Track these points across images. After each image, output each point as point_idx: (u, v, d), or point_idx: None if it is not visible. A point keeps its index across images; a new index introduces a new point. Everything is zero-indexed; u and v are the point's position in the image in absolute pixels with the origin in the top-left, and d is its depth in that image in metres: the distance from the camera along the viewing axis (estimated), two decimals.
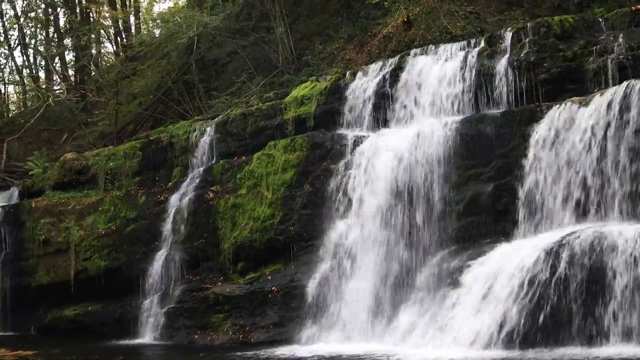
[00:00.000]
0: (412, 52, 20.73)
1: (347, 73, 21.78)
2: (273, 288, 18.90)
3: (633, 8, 18.36)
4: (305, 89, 22.09)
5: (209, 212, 21.15)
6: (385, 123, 20.17)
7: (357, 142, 19.79)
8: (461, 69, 19.21)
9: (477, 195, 17.40)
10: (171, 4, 42.73)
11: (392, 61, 20.87)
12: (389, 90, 20.21)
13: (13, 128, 34.78)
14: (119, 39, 40.43)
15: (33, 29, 42.25)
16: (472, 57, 19.24)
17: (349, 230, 18.61)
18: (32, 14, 41.48)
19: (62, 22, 40.50)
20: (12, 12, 40.90)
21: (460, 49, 19.76)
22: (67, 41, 38.77)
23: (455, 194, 17.70)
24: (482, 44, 19.56)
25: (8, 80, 42.83)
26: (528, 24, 19.21)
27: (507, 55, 18.79)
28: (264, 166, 20.65)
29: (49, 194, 24.85)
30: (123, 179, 23.96)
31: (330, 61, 25.20)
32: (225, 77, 28.85)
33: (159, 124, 28.55)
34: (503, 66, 18.64)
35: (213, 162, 22.50)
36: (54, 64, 39.99)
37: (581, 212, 15.97)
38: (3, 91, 42.37)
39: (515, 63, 18.42)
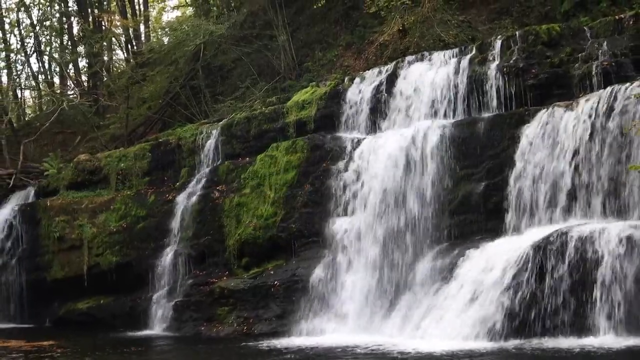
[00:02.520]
0: (407, 59, 20.71)
1: (346, 79, 21.77)
2: (275, 282, 18.89)
3: (617, 17, 18.36)
4: (305, 94, 22.08)
5: (214, 210, 21.14)
6: (382, 126, 20.16)
7: (355, 144, 19.79)
8: (454, 74, 19.20)
9: (469, 195, 17.40)
10: (179, 14, 42.72)
11: (388, 67, 20.86)
12: (385, 95, 20.21)
13: (29, 131, 34.76)
14: (129, 46, 40.40)
15: (48, 37, 42.20)
16: (464, 63, 19.23)
17: (347, 227, 18.60)
18: (47, 23, 41.45)
19: (75, 31, 40.49)
20: (28, 21, 40.93)
21: (453, 56, 19.75)
22: (81, 48, 38.74)
23: (448, 193, 17.70)
24: (474, 51, 19.55)
25: (24, 85, 42.81)
26: (517, 32, 19.21)
27: (497, 62, 18.78)
28: (266, 167, 20.63)
29: (63, 193, 24.86)
30: (133, 179, 23.96)
31: (329, 67, 25.20)
32: (230, 83, 28.84)
33: (168, 127, 28.53)
34: (493, 72, 18.63)
35: (218, 163, 22.48)
36: (68, 70, 39.92)
37: (567, 210, 15.99)
38: (20, 96, 42.35)
39: (504, 69, 18.40)
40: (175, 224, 21.80)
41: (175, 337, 19.51)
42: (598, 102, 16.09)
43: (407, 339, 15.50)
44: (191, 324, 19.93)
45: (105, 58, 38.54)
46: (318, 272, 18.39)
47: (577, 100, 16.81)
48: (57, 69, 42.27)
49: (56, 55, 40.85)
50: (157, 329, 20.66)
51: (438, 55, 20.07)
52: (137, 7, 41.28)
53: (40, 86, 43.18)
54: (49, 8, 41.51)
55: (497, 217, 16.95)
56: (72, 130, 33.92)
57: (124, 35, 39.92)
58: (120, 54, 43.50)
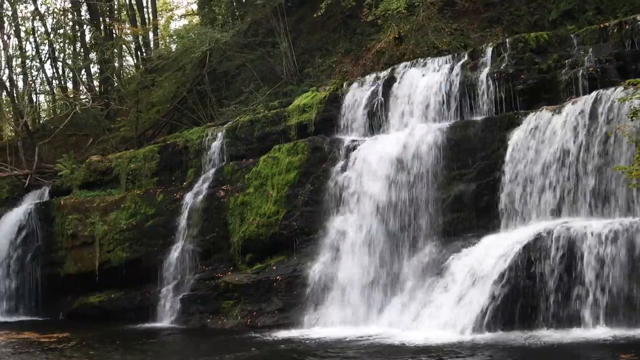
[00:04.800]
0: (403, 65, 20.71)
1: (344, 84, 21.76)
2: (278, 277, 18.88)
3: (601, 25, 18.37)
4: (306, 98, 22.07)
5: (220, 209, 21.14)
6: (379, 129, 20.16)
7: (353, 146, 19.79)
8: (447, 80, 19.19)
9: (462, 194, 17.40)
10: (186, 22, 42.69)
11: (385, 73, 20.86)
12: (382, 99, 20.20)
13: (44, 133, 34.75)
14: (139, 53, 40.35)
15: (62, 45, 42.18)
16: (457, 69, 19.23)
17: (345, 225, 18.60)
18: (61, 31, 41.44)
19: (88, 38, 40.49)
20: (42, 29, 40.91)
21: (446, 62, 19.75)
22: (93, 55, 38.74)
23: (442, 193, 17.70)
24: (466, 57, 19.54)
25: (39, 90, 42.82)
26: (507, 40, 19.21)
27: (488, 68, 18.78)
28: (269, 167, 20.63)
29: (76, 193, 24.88)
30: (143, 179, 23.95)
31: (329, 73, 25.18)
32: (234, 88, 28.82)
33: (175, 130, 28.52)
34: (484, 77, 18.63)
35: (223, 164, 22.48)
36: (81, 76, 39.90)
37: (555, 208, 16.00)
38: (35, 100, 42.35)
39: (495, 75, 18.41)
40: (182, 221, 21.80)
41: (182, 329, 19.52)
42: (584, 106, 16.10)
43: (403, 330, 15.51)
44: (197, 316, 19.94)
45: (116, 64, 38.53)
46: (318, 268, 18.40)
47: (564, 104, 16.82)
48: (71, 75, 42.26)
49: (69, 62, 40.88)
50: (165, 321, 20.67)
51: (432, 62, 20.07)
52: (146, 16, 41.25)
53: (54, 91, 43.18)
54: (62, 17, 41.52)
55: (488, 215, 16.96)
56: (85, 133, 33.89)
57: (133, 43, 39.89)
58: (130, 61, 43.52)
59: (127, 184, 24.13)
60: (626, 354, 11.62)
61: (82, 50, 40.93)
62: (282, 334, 16.96)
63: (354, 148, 19.65)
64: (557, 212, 15.93)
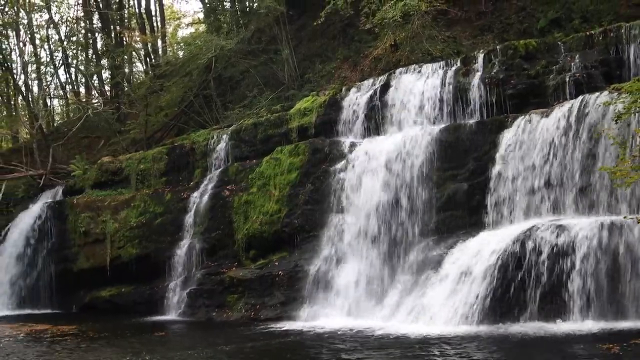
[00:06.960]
0: (398, 70, 20.72)
1: (343, 89, 21.76)
2: (280, 272, 18.89)
3: (587, 33, 18.38)
4: (307, 102, 22.09)
5: (225, 207, 21.15)
6: (376, 131, 20.17)
7: (352, 147, 19.80)
8: (440, 85, 19.20)
9: (454, 193, 17.41)
10: (193, 30, 42.67)
11: (381, 78, 20.87)
12: (379, 103, 20.21)
13: (58, 135, 34.76)
14: (148, 59, 40.38)
15: (75, 51, 42.20)
16: (450, 75, 19.23)
17: (344, 222, 18.62)
18: (74, 38, 41.48)
19: (99, 45, 40.54)
20: (56, 37, 40.96)
21: (440, 68, 19.75)
22: (104, 61, 38.76)
23: (435, 192, 17.71)
24: (458, 63, 19.55)
25: (53, 95, 42.87)
26: (497, 47, 19.22)
27: (479, 74, 18.78)
28: (272, 168, 20.65)
29: (88, 192, 24.90)
30: (152, 179, 23.97)
31: (328, 78, 25.17)
32: (238, 92, 28.82)
33: (183, 132, 28.52)
34: (476, 83, 18.63)
35: (228, 164, 22.50)
36: (93, 81, 39.95)
37: (543, 207, 16.00)
38: (49, 104, 42.38)
39: (486, 80, 18.41)
40: (189, 219, 21.81)
41: (189, 322, 19.53)
42: (571, 110, 16.11)
43: (399, 323, 15.51)
44: (204, 310, 19.95)
45: (126, 70, 38.56)
46: (318, 263, 18.41)
47: (552, 108, 16.83)
48: (83, 80, 42.29)
49: (82, 68, 40.88)
50: (173, 314, 20.68)
51: (426, 68, 20.08)
52: (155, 24, 41.27)
53: (68, 95, 43.21)
54: (75, 25, 41.55)
55: (479, 213, 16.97)
56: (97, 135, 33.90)
57: (143, 50, 39.92)
58: (139, 67, 43.54)
59: (136, 183, 24.16)
60: (607, 345, 11.64)
61: (94, 56, 40.98)
62: (284, 326, 16.97)
63: (353, 149, 19.65)
64: (545, 211, 15.94)
